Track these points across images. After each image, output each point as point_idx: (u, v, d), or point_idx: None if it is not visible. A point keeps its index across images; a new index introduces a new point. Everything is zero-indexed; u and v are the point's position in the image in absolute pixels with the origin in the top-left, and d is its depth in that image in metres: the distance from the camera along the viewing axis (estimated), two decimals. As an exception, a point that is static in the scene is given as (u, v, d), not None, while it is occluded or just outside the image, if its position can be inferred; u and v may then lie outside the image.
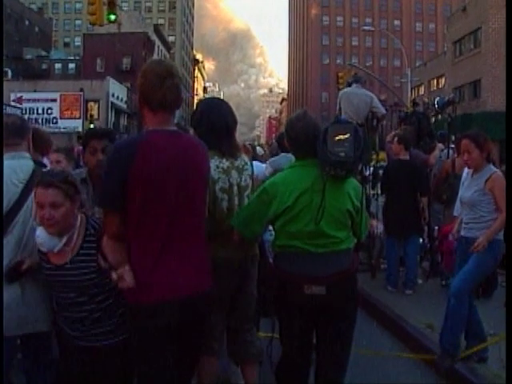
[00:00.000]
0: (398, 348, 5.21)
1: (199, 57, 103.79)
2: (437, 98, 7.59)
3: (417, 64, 56.09)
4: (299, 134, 3.05)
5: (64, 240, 2.68)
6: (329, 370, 3.11)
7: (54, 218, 2.63)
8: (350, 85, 8.12)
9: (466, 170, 4.68)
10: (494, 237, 4.27)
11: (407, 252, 6.67)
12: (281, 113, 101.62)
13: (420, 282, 6.95)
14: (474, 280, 4.44)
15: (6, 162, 2.93)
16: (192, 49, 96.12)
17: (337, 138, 2.87)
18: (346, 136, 2.89)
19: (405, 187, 6.47)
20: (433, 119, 10.22)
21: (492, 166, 4.46)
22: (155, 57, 50.18)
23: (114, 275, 2.51)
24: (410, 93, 36.53)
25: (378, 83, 43.42)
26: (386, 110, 8.76)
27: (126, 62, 52.91)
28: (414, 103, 9.25)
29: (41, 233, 2.69)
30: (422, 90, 43.20)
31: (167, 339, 2.59)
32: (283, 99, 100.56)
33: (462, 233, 4.56)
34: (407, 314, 5.71)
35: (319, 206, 2.91)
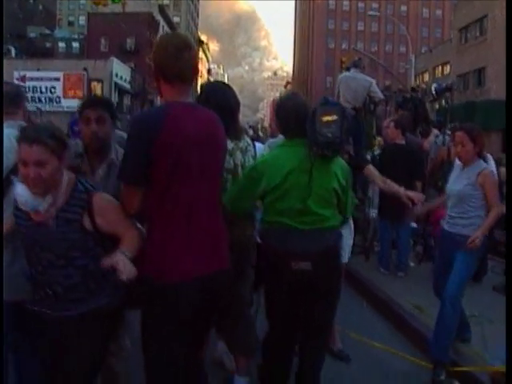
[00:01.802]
0: (386, 327, 5.35)
1: (204, 38, 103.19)
2: (434, 85, 7.65)
3: (422, 50, 55.81)
4: (289, 114, 3.15)
5: (49, 200, 2.45)
6: (313, 345, 3.25)
7: (40, 178, 2.39)
8: (348, 69, 8.19)
9: (456, 162, 4.64)
10: (471, 234, 4.23)
11: (400, 235, 6.81)
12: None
13: (412, 265, 7.11)
14: (465, 282, 4.38)
15: (5, 131, 2.91)
16: (197, 30, 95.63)
17: (325, 119, 2.98)
18: (334, 117, 2.99)
19: (400, 171, 6.54)
20: (436, 105, 10.27)
21: (482, 162, 4.45)
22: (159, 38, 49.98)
23: (108, 261, 2.36)
24: (413, 79, 36.39)
25: (383, 69, 43.27)
26: (385, 95, 8.83)
27: (130, 42, 52.68)
28: (412, 89, 9.30)
29: (22, 191, 2.42)
30: (426, 77, 43.04)
31: (185, 320, 2.53)
32: (288, 83, 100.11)
33: (446, 227, 4.49)
34: (397, 295, 5.84)
35: (307, 185, 3.02)
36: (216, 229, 2.63)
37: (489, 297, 5.96)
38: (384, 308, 5.77)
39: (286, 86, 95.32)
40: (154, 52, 2.57)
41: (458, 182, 4.43)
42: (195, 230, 2.52)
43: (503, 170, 7.95)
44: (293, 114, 3.13)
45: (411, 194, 4.09)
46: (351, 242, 4.58)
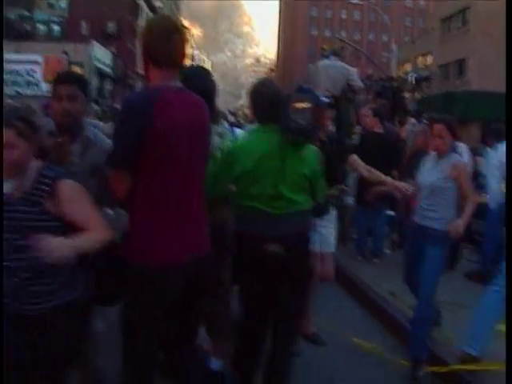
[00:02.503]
0: (361, 313, 5.46)
1: (186, 23, 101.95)
2: (413, 74, 7.72)
3: (405, 40, 56.00)
4: (262, 100, 3.20)
5: (14, 184, 2.36)
6: (285, 329, 3.32)
7: (6, 161, 2.30)
8: (328, 57, 8.23)
9: (430, 153, 4.59)
10: (443, 227, 4.27)
11: (376, 223, 6.91)
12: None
13: (388, 251, 7.22)
14: (439, 277, 4.38)
15: None
16: (179, 15, 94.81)
17: (298, 106, 3.03)
18: (307, 104, 3.04)
19: (378, 159, 6.62)
20: (416, 95, 10.35)
21: (455, 154, 4.47)
22: (141, 22, 49.43)
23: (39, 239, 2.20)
24: (396, 68, 36.54)
25: (365, 58, 43.36)
26: (366, 84, 8.89)
27: (111, 26, 52.09)
28: (390, 78, 9.38)
29: None
30: (408, 67, 43.26)
31: (171, 304, 2.56)
32: (271, 70, 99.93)
33: (417, 219, 4.45)
34: (372, 281, 5.95)
35: (279, 171, 3.08)
36: (199, 213, 2.65)
37: (461, 283, 6.11)
38: (359, 294, 5.87)
39: (269, 73, 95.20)
40: (143, 35, 2.55)
41: (431, 174, 4.41)
42: (181, 214, 2.52)
43: (479, 159, 8.10)
44: (266, 100, 3.17)
45: (398, 183, 4.15)
46: (335, 232, 4.65)
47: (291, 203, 3.14)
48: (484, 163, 7.29)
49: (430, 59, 40.43)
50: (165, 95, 2.46)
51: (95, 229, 2.42)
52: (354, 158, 4.50)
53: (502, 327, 4.54)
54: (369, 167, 4.37)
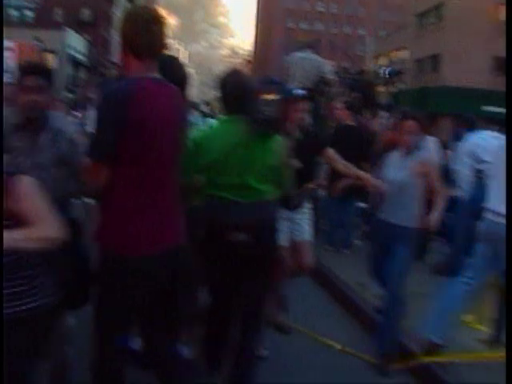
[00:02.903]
0: (328, 302, 5.53)
1: (163, 13, 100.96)
2: (387, 69, 7.80)
3: (381, 34, 56.33)
4: (231, 90, 3.22)
5: None
6: (252, 317, 3.36)
7: None
8: (301, 49, 8.26)
9: (395, 151, 4.52)
10: (410, 225, 4.32)
11: (346, 213, 7.00)
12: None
13: (358, 242, 7.30)
14: (407, 274, 4.43)
15: None
16: (156, 4, 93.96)
17: (265, 97, 3.06)
18: (274, 96, 3.08)
19: (349, 152, 6.68)
20: (389, 89, 10.47)
21: (423, 150, 4.53)
22: (116, 8, 48.85)
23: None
24: (370, 62, 36.80)
25: (341, 51, 43.52)
26: (340, 77, 8.94)
27: (85, 13, 51.38)
28: (362, 72, 9.45)
29: None
30: (383, 61, 43.54)
31: (143, 294, 2.55)
32: (248, 61, 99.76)
33: (383, 216, 4.44)
34: (341, 271, 6.02)
35: (245, 161, 3.11)
36: (175, 204, 2.66)
37: (427, 274, 6.22)
38: (328, 284, 5.94)
39: (244, 65, 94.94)
40: (123, 25, 2.53)
41: (398, 170, 4.37)
42: (157, 204, 2.53)
43: (449, 152, 8.22)
44: (234, 90, 3.20)
45: (374, 180, 4.19)
46: (311, 222, 4.68)
47: (257, 193, 3.19)
48: (454, 156, 7.39)
49: (405, 54, 40.74)
50: (144, 86, 2.46)
51: (45, 225, 2.28)
52: (331, 152, 4.53)
53: (466, 317, 4.66)
54: (345, 162, 4.41)
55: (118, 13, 42.14)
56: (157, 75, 2.58)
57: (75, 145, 3.02)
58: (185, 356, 3.61)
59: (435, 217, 4.23)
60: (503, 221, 4.05)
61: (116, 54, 41.53)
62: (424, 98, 31.98)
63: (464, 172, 6.60)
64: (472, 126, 6.89)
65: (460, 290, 4.37)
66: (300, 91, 4.52)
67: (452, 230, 6.85)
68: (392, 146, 4.48)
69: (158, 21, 2.51)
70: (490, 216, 4.23)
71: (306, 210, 4.56)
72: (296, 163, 3.94)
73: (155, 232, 2.52)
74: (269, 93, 3.11)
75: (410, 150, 4.38)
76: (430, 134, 8.02)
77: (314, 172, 4.59)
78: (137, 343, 3.48)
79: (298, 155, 3.95)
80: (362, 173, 4.34)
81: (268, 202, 3.25)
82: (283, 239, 4.29)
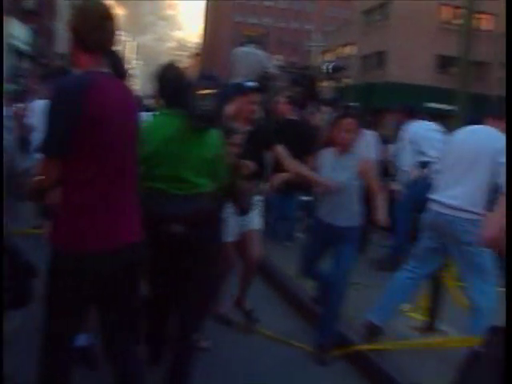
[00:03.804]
0: (270, 294, 5.60)
1: (110, 3, 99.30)
2: (331, 64, 7.92)
3: (329, 30, 56.88)
4: (167, 83, 3.24)
5: None
6: (192, 308, 3.39)
7: None
8: (245, 44, 8.33)
9: (328, 150, 4.52)
10: (353, 224, 4.38)
11: (289, 207, 7.09)
12: (191, 67, 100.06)
13: (300, 235, 7.40)
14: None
15: None
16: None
17: (202, 92, 3.10)
18: (211, 91, 3.12)
19: (291, 146, 6.76)
20: (333, 84, 10.58)
21: (359, 149, 4.53)
22: (62, 1, 47.69)
23: None
24: (317, 57, 37.16)
25: (289, 45, 43.78)
26: (284, 72, 9.01)
27: (30, 2, 50.00)
28: (306, 67, 9.57)
29: None
30: (330, 56, 44.04)
31: (96, 291, 2.53)
32: (195, 54, 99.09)
33: (324, 217, 4.42)
34: (284, 263, 6.09)
35: (181, 154, 3.15)
36: (132, 200, 2.65)
37: (366, 265, 6.40)
38: (269, 276, 6.01)
39: (192, 58, 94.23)
40: (74, 19, 2.51)
41: (336, 170, 4.34)
42: (113, 200, 2.51)
43: (389, 147, 8.42)
44: (171, 84, 3.23)
45: (321, 179, 4.23)
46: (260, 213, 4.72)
47: (193, 186, 3.23)
48: (396, 149, 7.58)
49: (351, 50, 41.35)
50: (97, 81, 2.44)
51: None
52: (280, 148, 4.56)
53: (403, 306, 4.81)
54: (293, 160, 4.46)
55: (64, 3, 41.11)
56: (107, 70, 2.57)
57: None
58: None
59: (383, 214, 4.29)
60: (448, 211, 4.19)
61: (61, 45, 40.61)
62: (369, 93, 32.56)
63: (407, 158, 6.73)
64: (414, 116, 7.06)
65: (405, 278, 4.51)
66: (252, 83, 4.52)
67: (393, 223, 7.05)
68: (330, 143, 4.48)
69: (109, 17, 2.52)
70: (435, 207, 4.34)
71: (256, 202, 4.57)
72: (249, 164, 3.98)
73: (109, 229, 2.50)
74: (205, 87, 3.14)
75: (347, 148, 4.38)
76: (374, 129, 8.20)
77: (263, 167, 4.59)
78: (83, 340, 3.47)
79: (248, 149, 3.99)
80: (308, 172, 4.40)
81: (204, 194, 3.28)
82: (231, 233, 4.33)
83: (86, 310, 2.63)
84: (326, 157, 4.46)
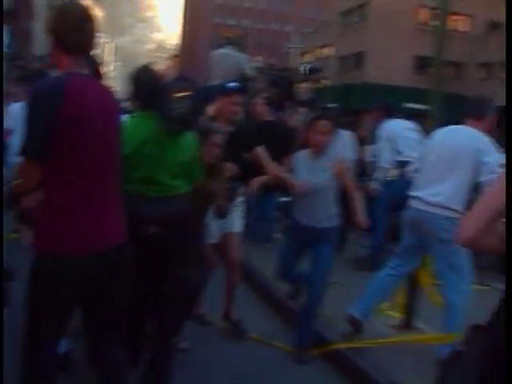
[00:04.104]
0: (248, 294, 5.62)
1: (87, 4, 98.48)
2: (308, 65, 7.97)
3: (307, 31, 57.06)
4: (142, 86, 3.26)
5: None
6: (167, 310, 3.43)
7: None
8: (223, 46, 8.36)
9: (303, 151, 4.53)
10: (331, 225, 4.39)
11: (267, 207, 7.12)
12: (169, 69, 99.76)
13: (279, 236, 7.43)
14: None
15: None
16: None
17: (177, 94, 3.12)
18: (186, 93, 3.14)
19: (269, 147, 6.77)
20: (311, 85, 10.62)
21: (333, 150, 4.52)
22: (39, 1, 47.19)
23: None
24: (296, 59, 37.29)
25: (268, 47, 43.85)
26: (262, 73, 9.04)
27: (5, 2, 49.34)
28: (283, 69, 9.62)
29: None
30: (309, 57, 44.17)
31: (80, 294, 2.53)
32: (173, 56, 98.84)
33: (302, 220, 4.42)
34: (262, 264, 6.12)
35: (158, 157, 3.16)
36: (115, 201, 2.65)
37: (344, 264, 6.44)
38: (248, 277, 6.02)
39: (170, 59, 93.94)
40: (54, 21, 2.52)
41: (312, 172, 4.33)
42: (94, 202, 2.51)
43: (366, 147, 8.50)
44: (146, 86, 3.24)
45: (298, 183, 4.24)
46: (242, 216, 4.73)
47: (168, 188, 3.25)
48: (373, 149, 7.64)
49: (329, 51, 41.53)
50: (76, 82, 2.45)
51: None
52: (260, 150, 4.56)
53: (382, 305, 4.87)
54: (272, 163, 4.47)
55: (41, 3, 40.69)
56: (87, 71, 2.58)
57: None
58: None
59: (362, 215, 4.31)
60: (427, 208, 4.26)
61: (39, 47, 40.17)
62: (348, 94, 32.70)
63: (385, 158, 6.78)
64: (391, 115, 7.11)
65: (387, 278, 4.56)
66: (234, 84, 4.53)
67: (372, 223, 7.10)
68: (305, 145, 4.50)
69: (89, 18, 2.53)
70: (415, 204, 4.39)
71: (237, 204, 4.60)
72: (231, 167, 3.99)
73: (91, 230, 2.49)
74: (181, 90, 3.16)
75: (322, 150, 4.38)
76: (353, 130, 8.27)
77: (245, 169, 4.54)
78: (64, 346, 3.45)
79: (229, 150, 3.99)
80: (285, 174, 4.41)
81: (179, 196, 3.30)
82: (212, 235, 4.33)
83: (69, 312, 2.61)
84: (302, 159, 4.46)
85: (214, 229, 4.36)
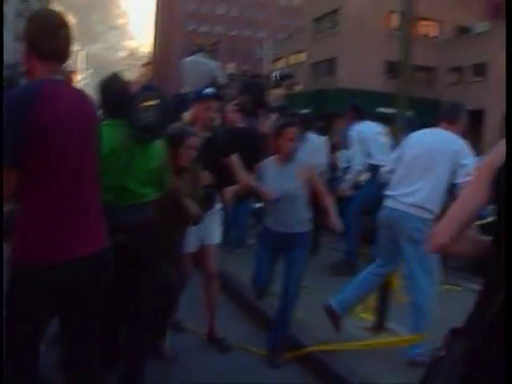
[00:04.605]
0: (222, 300, 5.61)
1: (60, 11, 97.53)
2: (276, 72, 8.03)
3: (280, 38, 57.32)
4: (111, 94, 3.27)
5: None
6: (137, 318, 3.43)
7: None
8: (194, 54, 8.39)
9: (269, 159, 4.53)
10: (303, 230, 4.41)
11: (238, 214, 7.14)
12: (142, 77, 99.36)
13: (252, 242, 7.45)
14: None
15: None
16: (51, 2, 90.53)
17: (145, 103, 3.14)
18: (154, 102, 3.16)
19: (241, 154, 6.80)
20: (282, 91, 10.69)
21: (300, 155, 4.52)
22: (9, 8, 46.66)
23: None
24: (269, 65, 37.47)
25: (241, 54, 43.96)
26: (236, 80, 9.09)
27: (-26, 12, 48.75)
28: (255, 75, 9.67)
29: None
30: (281, 64, 44.42)
31: (59, 301, 2.51)
32: (147, 63, 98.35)
33: (273, 226, 4.42)
34: (236, 270, 6.14)
35: (125, 165, 3.17)
36: (94, 209, 2.62)
37: (317, 269, 6.47)
38: (222, 282, 6.04)
39: (144, 66, 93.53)
40: (28, 27, 2.48)
41: (281, 179, 4.33)
42: (72, 210, 2.48)
43: (338, 153, 8.59)
44: (114, 95, 3.26)
45: (269, 192, 4.25)
46: (221, 226, 4.73)
47: (137, 196, 3.27)
48: (344, 154, 7.70)
49: (302, 57, 41.79)
50: (49, 88, 2.42)
51: None
52: (235, 158, 4.57)
53: (356, 308, 4.91)
54: (245, 172, 4.48)
55: (11, 11, 40.25)
56: (62, 78, 2.56)
57: None
58: None
59: (336, 218, 4.33)
60: (401, 207, 4.32)
61: (9, 55, 39.69)
62: (321, 100, 32.97)
63: (357, 160, 6.82)
64: (362, 117, 7.15)
65: (370, 276, 4.61)
66: (209, 90, 4.54)
67: (345, 227, 7.16)
68: (273, 151, 4.50)
69: (64, 24, 2.50)
70: (389, 203, 4.45)
71: (215, 212, 4.59)
72: (207, 176, 4.00)
73: (68, 238, 2.47)
74: (149, 99, 3.18)
75: (290, 156, 4.39)
76: (326, 135, 8.34)
77: (220, 176, 4.51)
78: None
79: (205, 157, 4.01)
80: (257, 184, 4.42)
81: (149, 203, 3.32)
82: (190, 244, 4.33)
83: (48, 320, 2.59)
84: (270, 165, 4.47)
85: (191, 238, 4.34)
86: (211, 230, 4.53)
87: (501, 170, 1.74)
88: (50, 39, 2.44)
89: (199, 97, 4.46)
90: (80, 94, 2.66)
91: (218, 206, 4.64)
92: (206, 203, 4.11)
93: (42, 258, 2.40)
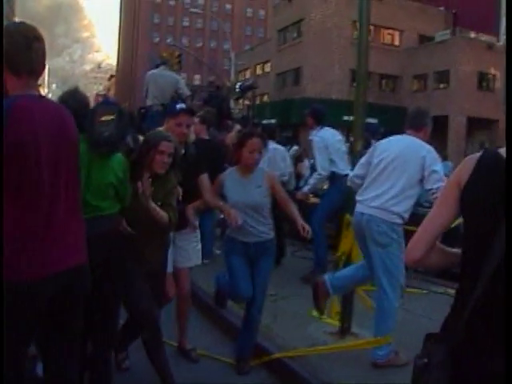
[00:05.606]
0: (189, 310, 5.65)
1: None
2: (239, 83, 8.12)
3: (245, 48, 57.61)
4: (70, 108, 3.28)
5: None
6: (102, 332, 3.46)
7: None
8: (157, 66, 8.46)
9: (230, 170, 4.56)
10: (267, 237, 4.42)
11: (203, 225, 7.15)
12: (109, 90, 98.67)
13: (218, 252, 7.49)
14: None
15: None
16: (13, 15, 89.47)
17: (103, 118, 3.18)
18: (111, 117, 3.21)
19: (204, 165, 6.83)
20: (245, 102, 10.77)
21: (261, 165, 4.54)
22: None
23: None
24: (235, 76, 37.61)
25: (206, 65, 44.07)
26: (197, 91, 9.16)
27: None
28: (217, 87, 9.75)
29: None
30: (247, 74, 44.62)
31: (34, 319, 2.45)
32: (112, 76, 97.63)
33: (238, 237, 4.38)
34: (202, 281, 6.16)
35: (84, 179, 3.18)
36: (72, 224, 2.59)
37: (285, 277, 6.58)
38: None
39: (109, 79, 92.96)
40: (1, 42, 2.39)
41: (247, 191, 4.33)
42: (50, 226, 2.45)
43: (304, 162, 8.70)
44: (73, 110, 3.26)
45: (233, 212, 4.19)
46: (199, 246, 4.72)
47: (96, 209, 3.27)
48: (308, 164, 7.80)
49: (267, 67, 42.09)
50: (22, 104, 2.37)
51: None
52: (205, 178, 4.53)
53: (315, 312, 4.99)
54: (210, 194, 4.48)
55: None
56: (37, 93, 2.53)
57: None
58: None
59: (303, 225, 4.29)
60: (368, 211, 4.39)
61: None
62: (287, 109, 33.24)
63: (323, 165, 6.87)
64: (320, 120, 7.21)
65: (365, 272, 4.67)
66: (180, 105, 4.52)
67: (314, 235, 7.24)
68: (236, 162, 4.51)
69: (37, 39, 2.45)
70: (359, 208, 4.52)
71: (192, 233, 4.58)
72: (178, 191, 4.02)
73: (44, 256, 2.42)
74: (107, 114, 3.21)
75: (253, 167, 4.40)
76: (292, 144, 8.43)
77: (191, 191, 4.42)
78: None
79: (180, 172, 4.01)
80: (221, 204, 4.40)
81: (106, 217, 3.34)
82: (168, 265, 4.28)
83: (31, 335, 2.56)
84: (233, 176, 4.48)
85: (169, 258, 4.31)
86: (185, 251, 4.54)
87: (466, 189, 1.83)
88: (22, 53, 2.39)
89: (172, 112, 4.45)
90: (58, 110, 2.63)
91: (196, 222, 4.61)
92: (179, 220, 4.05)
93: (20, 275, 2.36)
